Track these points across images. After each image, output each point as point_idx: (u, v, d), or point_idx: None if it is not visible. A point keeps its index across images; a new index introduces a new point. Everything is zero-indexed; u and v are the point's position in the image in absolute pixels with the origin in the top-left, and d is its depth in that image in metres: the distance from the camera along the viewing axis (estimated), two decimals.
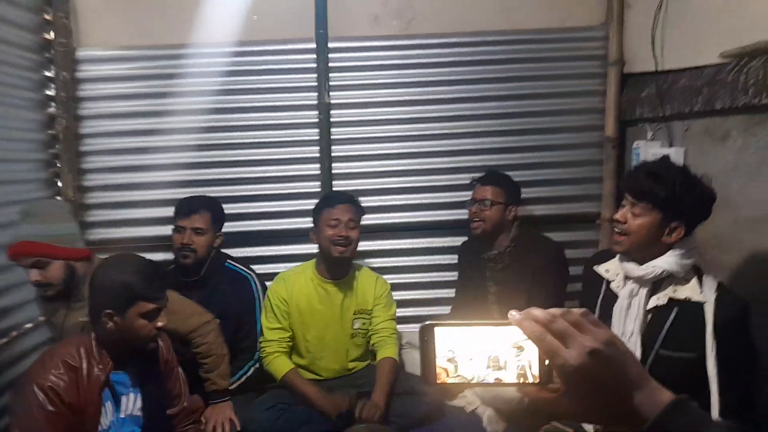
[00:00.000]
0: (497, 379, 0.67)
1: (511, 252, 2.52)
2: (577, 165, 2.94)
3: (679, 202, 1.72)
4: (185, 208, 2.55)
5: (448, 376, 0.68)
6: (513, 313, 0.65)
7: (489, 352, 0.67)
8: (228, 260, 2.66)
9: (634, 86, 2.83)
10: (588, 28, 2.94)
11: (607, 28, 2.90)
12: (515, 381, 0.67)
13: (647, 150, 2.58)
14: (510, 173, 2.79)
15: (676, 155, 2.43)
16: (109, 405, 1.76)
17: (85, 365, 1.70)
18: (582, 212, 2.96)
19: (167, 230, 2.66)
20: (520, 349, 0.66)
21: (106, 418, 1.75)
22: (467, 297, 2.67)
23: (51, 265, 2.00)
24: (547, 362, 0.65)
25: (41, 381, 1.62)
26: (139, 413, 1.83)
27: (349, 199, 2.50)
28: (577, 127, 2.97)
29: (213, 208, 2.59)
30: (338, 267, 2.50)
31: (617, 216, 1.83)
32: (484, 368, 0.67)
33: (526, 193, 2.72)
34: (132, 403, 1.82)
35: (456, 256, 2.85)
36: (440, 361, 0.68)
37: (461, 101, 2.94)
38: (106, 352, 1.75)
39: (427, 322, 0.68)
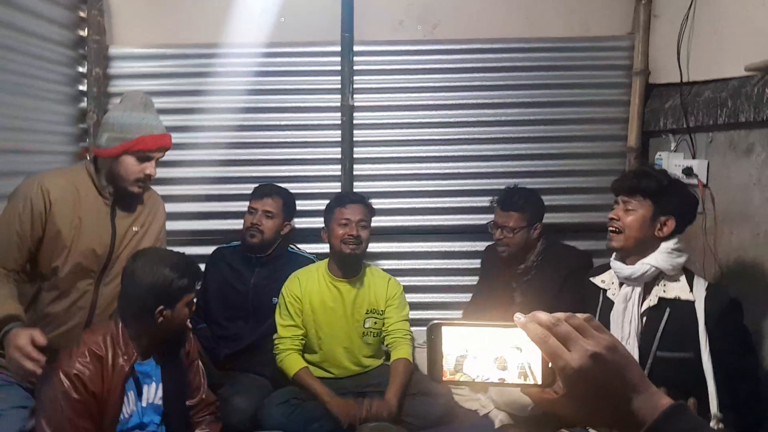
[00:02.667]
0: (501, 378, 0.69)
1: (537, 265, 2.51)
2: (599, 174, 2.93)
3: (668, 194, 1.88)
4: (260, 191, 2.68)
5: (454, 373, 0.70)
6: (518, 316, 0.67)
7: (494, 353, 0.69)
8: (291, 245, 2.77)
9: (658, 97, 2.82)
10: (613, 38, 2.94)
11: (632, 38, 2.89)
12: (518, 381, 0.69)
13: (670, 161, 2.57)
14: (531, 180, 2.81)
15: (699, 167, 2.43)
16: (131, 394, 1.80)
17: (110, 355, 1.73)
18: (602, 222, 2.93)
19: (194, 225, 2.72)
20: (520, 350, 0.68)
21: (128, 406, 1.78)
22: (489, 302, 2.65)
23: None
24: (549, 365, 0.66)
25: (67, 369, 1.66)
26: (159, 402, 1.87)
27: (360, 199, 2.54)
28: (600, 136, 2.96)
29: (286, 196, 2.71)
30: (349, 266, 2.53)
31: (611, 215, 1.95)
32: (489, 367, 0.69)
33: (546, 200, 2.72)
34: (153, 392, 1.86)
35: (474, 260, 2.85)
36: (446, 359, 0.70)
37: (483, 107, 2.95)
38: (133, 343, 1.79)
39: (435, 321, 0.71)
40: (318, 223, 2.86)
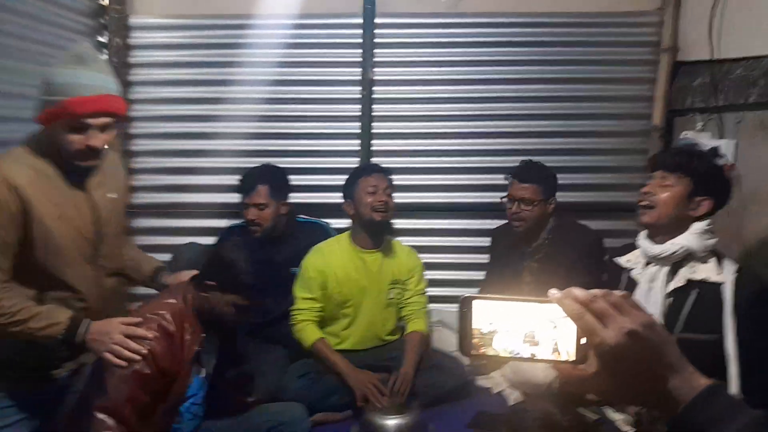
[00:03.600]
0: (532, 354, 0.68)
1: (549, 243, 2.50)
2: (622, 153, 2.89)
3: (709, 175, 1.83)
4: (245, 184, 2.59)
5: (483, 348, 0.69)
6: (553, 291, 0.66)
7: (525, 328, 0.68)
8: (298, 216, 2.77)
9: (686, 75, 2.75)
10: (642, 13, 2.87)
11: (662, 14, 2.82)
12: (550, 358, 0.68)
13: (696, 140, 2.51)
14: (552, 158, 2.78)
15: (727, 147, 2.37)
16: (194, 368, 1.81)
17: (179, 331, 1.72)
18: (624, 201, 2.91)
19: (211, 197, 2.73)
20: (554, 326, 0.67)
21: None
22: (499, 284, 2.65)
23: (112, 131, 1.65)
24: (583, 341, 0.65)
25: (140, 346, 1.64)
26: (205, 375, 1.88)
27: (384, 168, 2.56)
28: (624, 114, 2.91)
29: (271, 179, 2.60)
30: (378, 234, 2.55)
31: (645, 189, 1.89)
32: (519, 343, 0.68)
33: (567, 179, 2.70)
34: (207, 362, 1.89)
35: (488, 238, 2.84)
36: (477, 333, 0.69)
37: (506, 82, 2.91)
38: (198, 322, 1.77)
39: (467, 294, 0.70)
40: (336, 198, 2.86)
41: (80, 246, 1.72)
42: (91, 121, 1.57)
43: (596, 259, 2.48)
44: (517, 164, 2.53)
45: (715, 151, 2.34)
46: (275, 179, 2.62)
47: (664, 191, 1.85)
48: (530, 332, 0.68)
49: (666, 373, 0.62)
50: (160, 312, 1.72)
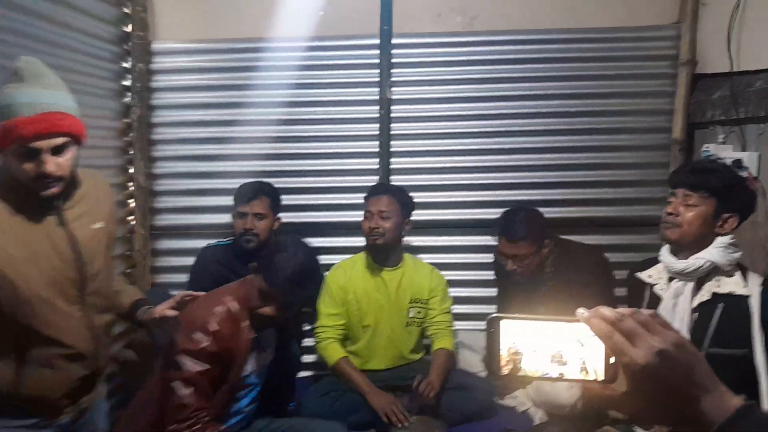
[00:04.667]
0: (560, 374, 0.68)
1: (552, 275, 2.42)
2: (642, 167, 2.86)
3: (734, 192, 1.80)
4: (246, 194, 2.60)
5: (512, 367, 0.69)
6: (581, 311, 0.66)
7: (552, 347, 0.68)
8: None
9: (705, 87, 2.73)
10: (658, 27, 2.86)
11: (679, 27, 2.81)
12: (578, 377, 0.67)
13: (718, 153, 2.50)
14: (572, 173, 2.77)
15: (750, 160, 2.35)
16: (255, 354, 1.96)
17: (240, 317, 1.86)
18: (645, 215, 2.88)
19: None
20: (580, 345, 0.67)
21: (248, 366, 1.94)
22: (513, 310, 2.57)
23: (69, 153, 1.46)
24: (612, 360, 0.65)
25: (208, 325, 1.79)
26: (264, 369, 2.05)
27: (385, 189, 2.57)
28: (644, 128, 2.89)
29: (271, 193, 2.66)
30: (378, 254, 2.56)
31: (669, 209, 1.86)
32: (547, 362, 0.68)
33: (587, 194, 2.67)
34: (267, 359, 2.05)
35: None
36: (504, 352, 0.69)
37: (524, 99, 2.91)
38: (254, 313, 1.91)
39: (494, 314, 0.70)
40: (355, 216, 2.88)
41: (62, 288, 1.51)
42: (38, 144, 1.38)
43: (604, 277, 2.44)
44: (499, 218, 2.43)
45: (738, 164, 2.33)
46: (274, 193, 2.67)
47: (689, 211, 1.82)
48: (558, 352, 0.67)
49: (697, 393, 0.61)
50: (229, 296, 1.87)
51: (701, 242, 1.82)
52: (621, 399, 0.65)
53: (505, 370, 0.69)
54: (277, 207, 2.67)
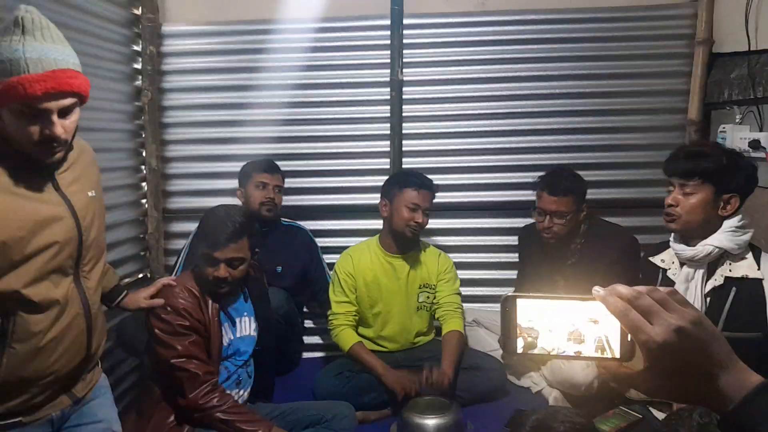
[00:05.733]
0: (577, 352, 0.67)
1: (582, 248, 2.41)
2: (658, 148, 2.82)
3: (730, 172, 1.77)
4: (268, 165, 2.74)
5: (528, 346, 0.69)
6: (597, 289, 0.66)
7: (569, 326, 0.67)
8: (282, 219, 2.87)
9: (722, 67, 2.69)
10: (674, 5, 2.82)
11: (695, 6, 2.76)
12: (595, 356, 0.67)
13: (734, 134, 2.46)
14: (586, 155, 2.75)
15: (767, 140, 2.31)
16: (227, 326, 2.03)
17: (202, 293, 1.97)
18: (661, 197, 2.83)
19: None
20: (597, 323, 0.67)
21: (226, 336, 2.03)
22: (532, 286, 2.56)
23: (75, 114, 1.35)
24: (629, 338, 0.65)
25: (175, 302, 1.92)
26: (254, 334, 2.13)
27: (432, 185, 2.50)
28: (659, 109, 2.86)
29: (281, 171, 2.80)
30: (405, 244, 2.55)
31: (668, 200, 1.85)
32: (564, 341, 0.68)
33: (603, 175, 2.65)
34: (247, 325, 2.11)
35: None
36: (521, 331, 0.69)
37: (537, 79, 2.88)
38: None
39: (510, 293, 0.70)
40: (367, 199, 2.88)
41: (60, 261, 1.39)
42: (47, 105, 1.25)
43: (632, 260, 2.40)
44: (544, 174, 2.43)
45: (755, 144, 2.30)
46: (283, 173, 2.81)
47: (688, 200, 1.80)
48: (575, 330, 0.67)
49: (715, 371, 0.60)
50: (187, 275, 2.02)
51: (708, 227, 1.81)
52: (638, 377, 0.64)
53: (521, 349, 0.69)
54: (283, 183, 2.81)
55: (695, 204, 1.79)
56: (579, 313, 0.67)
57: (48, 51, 1.25)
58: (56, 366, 1.41)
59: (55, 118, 1.28)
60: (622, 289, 0.64)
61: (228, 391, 2.00)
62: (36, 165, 1.35)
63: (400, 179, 2.52)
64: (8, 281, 1.30)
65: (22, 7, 1.27)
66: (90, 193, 1.50)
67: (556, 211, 2.33)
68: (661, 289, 0.64)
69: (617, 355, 0.66)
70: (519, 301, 0.69)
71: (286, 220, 2.89)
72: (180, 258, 2.74)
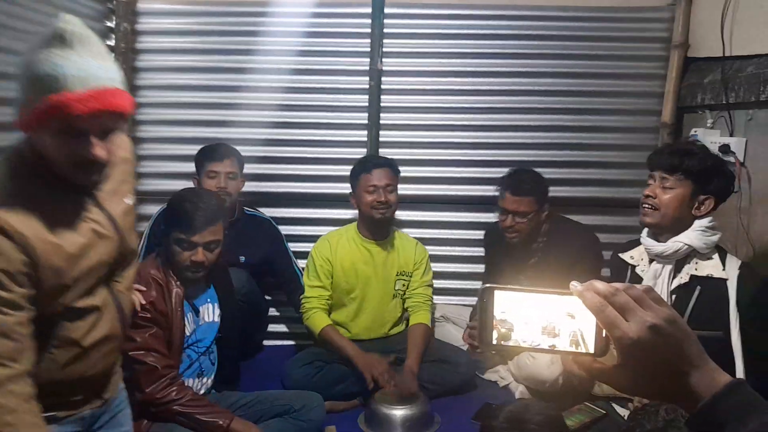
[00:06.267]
0: (551, 345, 0.68)
1: (544, 246, 2.45)
2: (631, 149, 2.87)
3: (711, 174, 1.83)
4: (218, 153, 2.59)
5: (503, 338, 0.69)
6: (575, 284, 0.66)
7: (544, 319, 0.68)
8: (246, 208, 2.79)
9: (696, 71, 2.74)
10: (653, 9, 2.86)
11: (673, 10, 2.80)
12: (569, 350, 0.68)
13: (706, 138, 2.51)
14: (560, 152, 2.77)
15: (737, 145, 2.37)
16: (190, 315, 2.00)
17: (167, 282, 1.94)
18: (633, 197, 2.88)
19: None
20: (572, 318, 0.67)
21: (189, 326, 2.00)
22: (499, 282, 2.60)
23: (115, 136, 1.29)
24: (604, 334, 0.65)
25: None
26: (217, 320, 2.11)
27: (385, 162, 2.54)
28: (633, 110, 2.90)
29: (238, 153, 2.66)
30: (379, 229, 2.56)
31: (647, 191, 1.89)
32: (538, 334, 0.68)
33: (575, 173, 2.68)
34: (210, 312, 2.09)
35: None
36: (496, 323, 0.69)
37: (515, 75, 2.89)
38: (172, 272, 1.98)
39: (488, 285, 0.70)
40: (342, 188, 2.85)
41: (100, 272, 1.37)
42: (86, 125, 1.18)
43: (593, 258, 2.45)
44: (507, 175, 2.45)
45: (725, 149, 2.35)
46: (240, 155, 2.67)
47: (666, 193, 1.85)
48: (550, 324, 0.68)
49: (687, 369, 0.62)
50: (150, 264, 1.97)
51: (679, 225, 1.85)
52: (611, 372, 0.65)
53: (496, 341, 0.69)
54: (242, 168, 2.68)
55: (672, 198, 1.84)
56: (555, 307, 0.67)
57: (90, 67, 1.16)
58: (93, 370, 1.41)
59: (95, 139, 1.21)
60: (599, 285, 0.64)
61: (191, 380, 1.98)
62: (72, 184, 1.28)
63: (355, 168, 2.55)
64: (58, 301, 1.28)
65: (65, 17, 1.17)
66: (127, 201, 1.45)
67: (518, 210, 2.36)
68: (638, 286, 0.64)
69: (591, 350, 0.67)
70: (497, 292, 0.69)
71: (249, 209, 2.80)
72: (141, 243, 2.60)
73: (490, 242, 2.70)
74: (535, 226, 2.41)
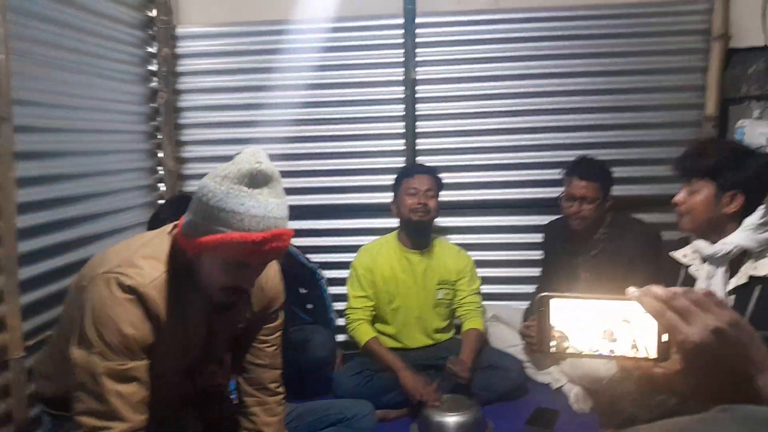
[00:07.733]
0: (611, 351, 0.68)
1: (604, 239, 2.44)
2: (675, 144, 2.80)
3: (730, 169, 1.72)
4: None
5: (562, 345, 0.69)
6: (632, 289, 0.66)
7: (603, 325, 0.68)
8: None
9: (739, 62, 2.67)
10: (690, 1, 2.79)
11: (711, 1, 2.74)
12: (629, 355, 0.67)
13: (754, 129, 2.45)
14: (602, 151, 2.73)
15: None
16: None
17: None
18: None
19: None
20: (628, 323, 0.67)
21: None
22: (555, 281, 2.58)
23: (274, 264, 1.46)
24: (665, 339, 0.65)
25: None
26: None
27: (427, 170, 2.57)
28: (675, 105, 2.84)
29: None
30: (419, 236, 2.56)
31: (674, 199, 1.82)
32: (598, 340, 0.68)
33: (619, 172, 2.63)
34: None
35: (541, 234, 2.80)
36: (554, 331, 0.69)
37: (550, 77, 2.87)
38: None
39: (544, 293, 0.70)
40: (382, 198, 2.87)
41: (178, 367, 1.46)
42: (251, 261, 1.25)
43: (654, 254, 2.40)
44: (573, 160, 2.47)
45: (731, 141, 2.25)
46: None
47: (692, 198, 1.77)
48: (608, 329, 0.68)
49: (753, 372, 0.60)
50: None
51: (720, 226, 1.76)
52: (674, 377, 0.64)
53: (554, 349, 0.69)
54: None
55: (697, 202, 1.76)
56: (611, 312, 0.68)
57: (271, 210, 1.20)
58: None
59: (253, 273, 1.29)
60: (658, 289, 0.64)
61: None
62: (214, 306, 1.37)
63: (398, 175, 2.59)
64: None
65: (257, 156, 1.22)
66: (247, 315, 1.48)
67: (585, 196, 2.38)
68: (698, 290, 0.64)
69: (652, 355, 0.66)
70: (552, 301, 0.69)
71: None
72: None
73: (550, 237, 2.69)
74: (600, 214, 2.42)
